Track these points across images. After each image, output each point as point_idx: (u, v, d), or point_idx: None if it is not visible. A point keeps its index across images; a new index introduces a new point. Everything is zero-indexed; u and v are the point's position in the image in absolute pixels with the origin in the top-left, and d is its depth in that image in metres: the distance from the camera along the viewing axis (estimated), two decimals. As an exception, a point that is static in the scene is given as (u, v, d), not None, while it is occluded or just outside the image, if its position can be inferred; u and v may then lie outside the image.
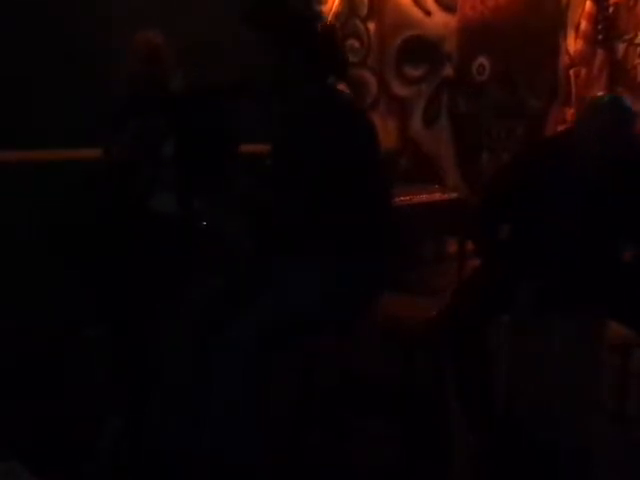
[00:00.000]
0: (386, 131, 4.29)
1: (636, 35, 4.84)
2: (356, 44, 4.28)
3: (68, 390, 2.73)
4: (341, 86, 2.32)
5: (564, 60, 4.86)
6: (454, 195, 4.17)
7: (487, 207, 2.67)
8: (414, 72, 4.52)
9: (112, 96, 2.87)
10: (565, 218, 2.46)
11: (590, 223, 2.46)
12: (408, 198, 3.85)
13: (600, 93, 4.22)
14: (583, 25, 4.85)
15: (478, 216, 2.73)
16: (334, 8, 4.11)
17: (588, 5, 4.83)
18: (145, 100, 2.78)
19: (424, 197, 3.98)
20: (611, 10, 4.82)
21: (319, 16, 2.41)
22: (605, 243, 2.51)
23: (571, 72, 4.91)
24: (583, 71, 4.83)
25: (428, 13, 4.48)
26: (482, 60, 4.69)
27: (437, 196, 4.07)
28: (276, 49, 2.13)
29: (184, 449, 2.07)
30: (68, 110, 3.04)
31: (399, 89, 4.48)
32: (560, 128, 4.53)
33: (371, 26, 4.32)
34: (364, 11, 4.27)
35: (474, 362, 2.50)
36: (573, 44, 4.84)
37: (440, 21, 4.53)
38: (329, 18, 4.01)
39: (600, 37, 4.84)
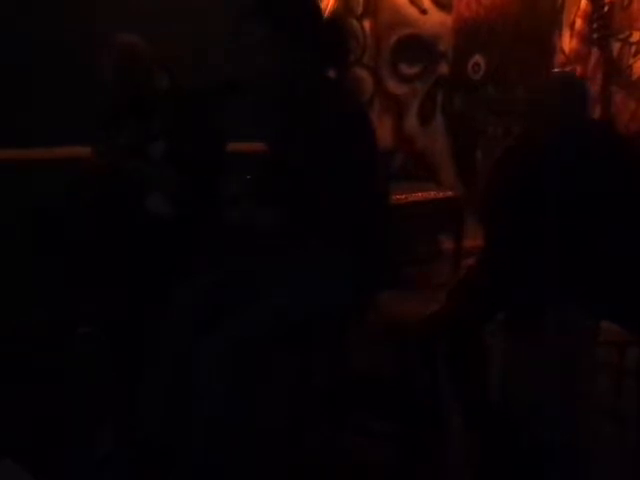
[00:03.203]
0: (381, 129, 4.28)
1: (631, 34, 4.87)
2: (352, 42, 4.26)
3: (64, 389, 2.73)
4: (344, 79, 2.29)
5: (559, 59, 4.86)
6: (449, 193, 4.17)
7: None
8: (409, 70, 4.51)
9: (103, 95, 2.83)
10: (555, 216, 2.45)
11: (579, 219, 2.45)
12: (403, 196, 3.85)
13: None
14: (578, 24, 4.86)
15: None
16: (329, 6, 4.10)
17: (583, 4, 4.84)
18: (137, 102, 2.75)
19: (419, 195, 3.98)
20: (606, 9, 4.84)
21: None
22: (597, 241, 2.50)
23: (566, 71, 4.91)
24: (578, 70, 4.84)
25: (424, 11, 4.47)
26: (477, 58, 4.68)
27: (432, 194, 4.06)
28: (277, 40, 2.10)
29: (177, 446, 2.06)
30: (66, 107, 3.03)
31: (394, 87, 4.47)
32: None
33: (366, 24, 4.31)
34: (359, 9, 4.26)
35: (470, 361, 2.49)
36: (568, 43, 4.85)
37: (436, 20, 4.52)
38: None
39: (595, 36, 4.85)
